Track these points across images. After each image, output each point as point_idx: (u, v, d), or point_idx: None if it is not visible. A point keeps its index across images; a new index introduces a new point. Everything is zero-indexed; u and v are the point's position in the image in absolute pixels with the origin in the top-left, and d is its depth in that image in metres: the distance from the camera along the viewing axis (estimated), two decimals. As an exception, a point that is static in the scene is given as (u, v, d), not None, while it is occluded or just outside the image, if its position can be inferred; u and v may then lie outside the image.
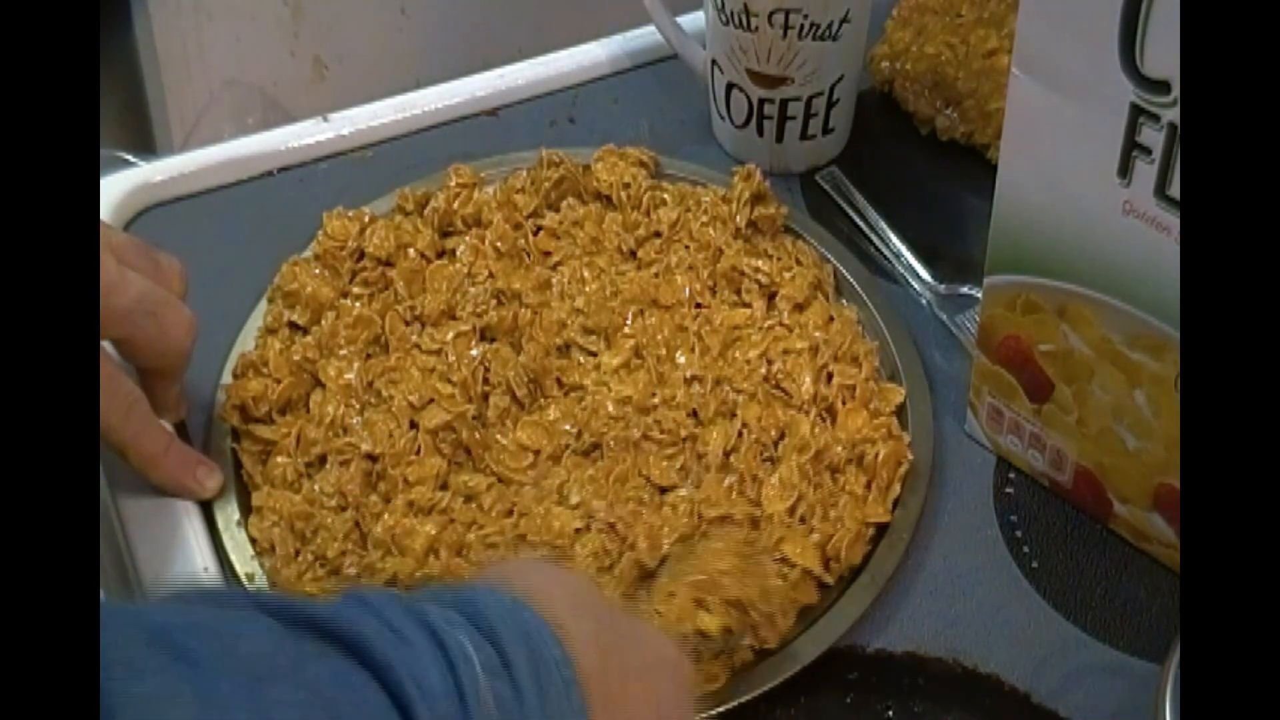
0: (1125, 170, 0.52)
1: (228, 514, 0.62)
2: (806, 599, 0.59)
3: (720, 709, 0.56)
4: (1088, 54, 0.50)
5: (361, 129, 0.80)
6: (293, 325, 0.68)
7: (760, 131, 0.78)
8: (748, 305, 0.69)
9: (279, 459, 0.63)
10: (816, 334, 0.67)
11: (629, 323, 0.68)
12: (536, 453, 0.63)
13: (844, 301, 0.71)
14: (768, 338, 0.67)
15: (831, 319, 0.69)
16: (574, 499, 0.61)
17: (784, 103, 0.76)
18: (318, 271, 0.69)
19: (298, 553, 0.60)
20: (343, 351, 0.66)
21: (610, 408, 0.64)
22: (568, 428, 0.64)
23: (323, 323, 0.68)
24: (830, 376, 0.66)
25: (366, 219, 0.71)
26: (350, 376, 0.65)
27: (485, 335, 0.67)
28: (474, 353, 0.66)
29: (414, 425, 0.63)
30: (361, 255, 0.70)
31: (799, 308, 0.69)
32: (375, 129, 0.80)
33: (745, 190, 0.71)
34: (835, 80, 0.76)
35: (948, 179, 0.79)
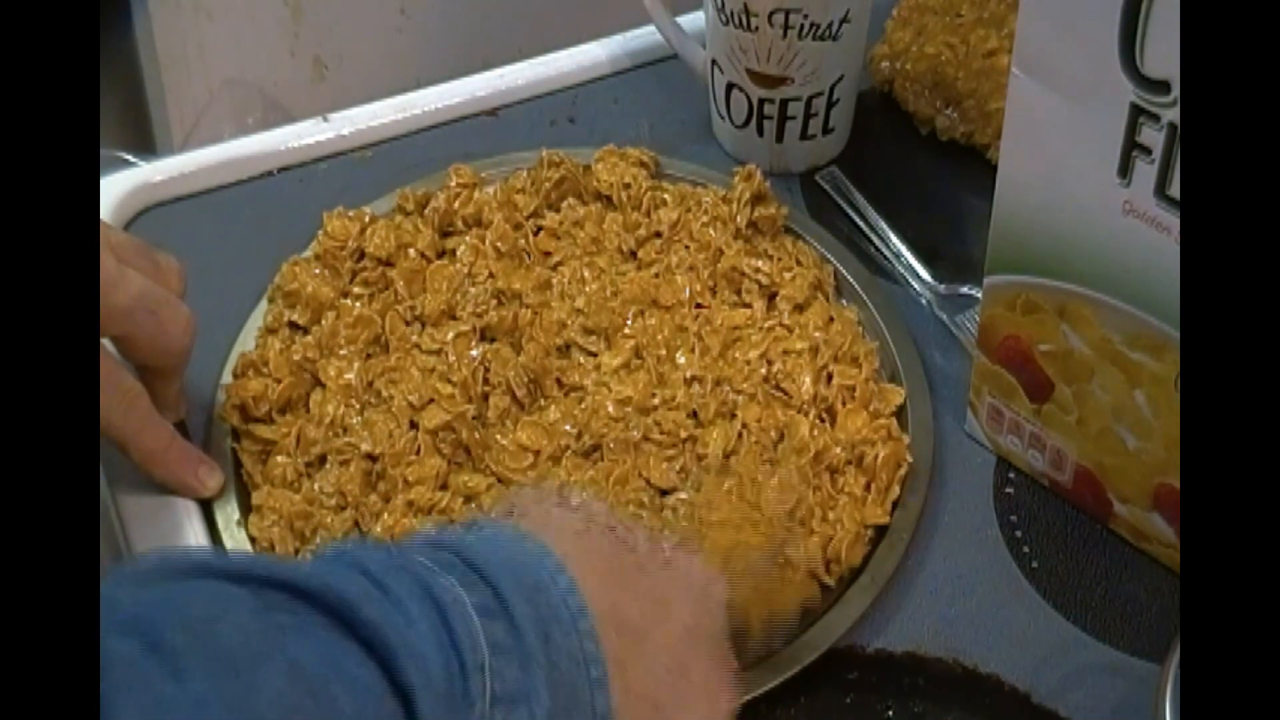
0: (1125, 170, 0.52)
1: (228, 513, 0.62)
2: (811, 597, 0.59)
3: (746, 698, 0.56)
4: (1088, 54, 0.50)
5: (361, 129, 0.80)
6: (293, 325, 0.68)
7: (760, 131, 0.78)
8: (748, 306, 0.69)
9: (279, 458, 0.63)
10: (816, 334, 0.67)
11: (629, 323, 0.68)
12: (536, 453, 0.63)
13: (844, 302, 0.71)
14: (768, 338, 0.67)
15: (831, 320, 0.69)
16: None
17: (784, 103, 0.76)
18: (318, 271, 0.69)
19: (297, 551, 0.60)
20: (343, 351, 0.66)
21: (610, 408, 0.64)
22: (568, 428, 0.64)
23: (323, 322, 0.68)
24: (830, 377, 0.66)
25: (367, 219, 0.71)
26: (350, 376, 0.65)
27: (485, 335, 0.67)
28: (474, 353, 0.66)
29: (414, 425, 0.63)
30: (362, 255, 0.70)
31: (799, 308, 0.69)
32: (375, 129, 0.80)
33: (746, 191, 0.71)
34: (835, 80, 0.76)
35: (948, 179, 0.79)
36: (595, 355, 0.67)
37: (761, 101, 0.76)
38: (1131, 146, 0.51)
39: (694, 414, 0.65)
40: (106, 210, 0.73)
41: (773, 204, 0.72)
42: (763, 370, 0.66)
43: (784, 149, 0.78)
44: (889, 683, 0.59)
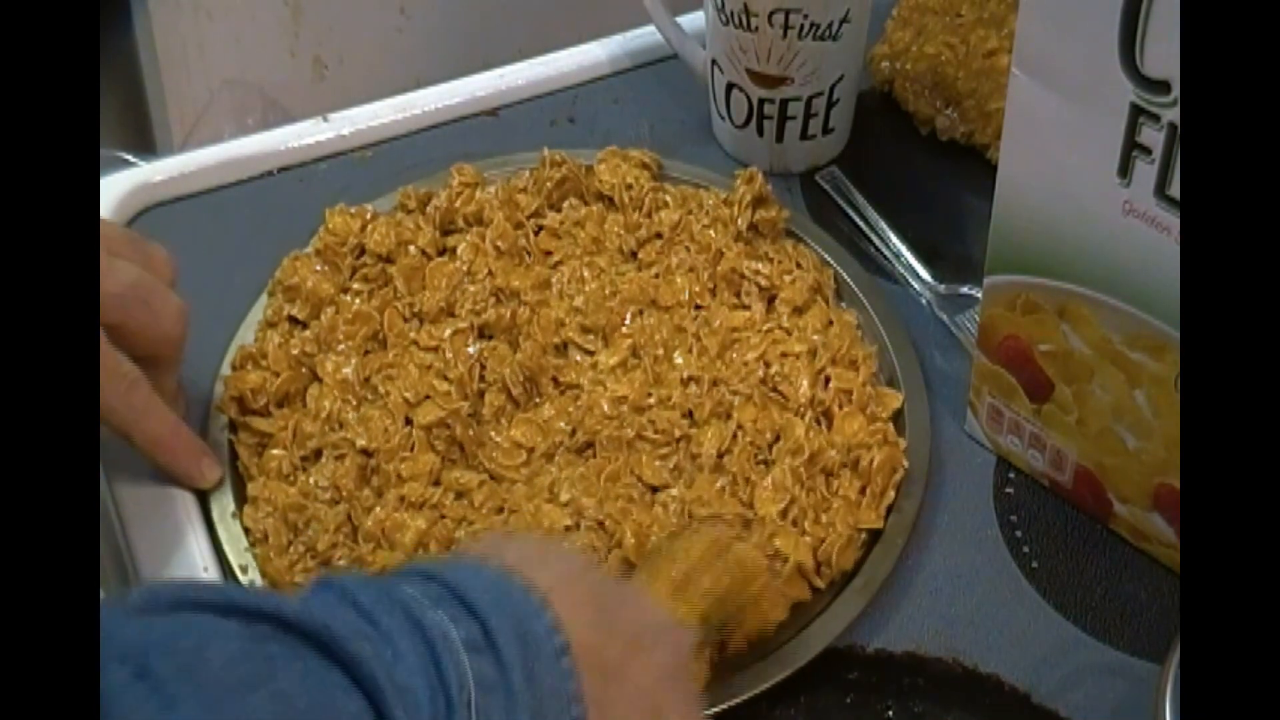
0: (1125, 170, 0.52)
1: (223, 505, 0.63)
2: (799, 594, 0.59)
3: (718, 708, 0.56)
4: (1088, 54, 0.50)
5: (361, 129, 0.80)
6: (292, 320, 0.68)
7: (760, 131, 0.78)
8: (747, 307, 0.69)
9: (275, 451, 0.64)
10: (815, 337, 0.67)
11: (627, 322, 0.68)
12: (530, 450, 0.63)
13: (844, 305, 0.71)
14: (766, 340, 0.67)
15: (830, 323, 0.69)
16: (564, 496, 0.61)
17: (784, 103, 0.76)
18: (318, 267, 0.70)
19: (290, 544, 0.60)
20: (341, 347, 0.67)
21: (605, 406, 0.64)
22: (562, 425, 0.64)
23: (322, 318, 0.68)
24: (827, 380, 0.66)
25: (368, 216, 0.71)
26: (347, 372, 0.66)
27: (483, 333, 0.67)
28: (471, 350, 0.66)
29: (409, 421, 0.63)
30: (362, 251, 0.70)
31: (798, 311, 0.69)
32: (375, 129, 0.80)
33: (747, 193, 0.71)
34: (835, 80, 0.76)
35: (948, 179, 0.79)
36: (592, 354, 0.67)
37: (761, 101, 0.76)
38: (1131, 146, 0.51)
39: (689, 414, 0.65)
40: (106, 210, 0.74)
41: (773, 207, 0.72)
42: (760, 372, 0.66)
43: (784, 149, 0.78)
44: (889, 683, 0.59)
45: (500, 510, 0.61)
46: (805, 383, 0.65)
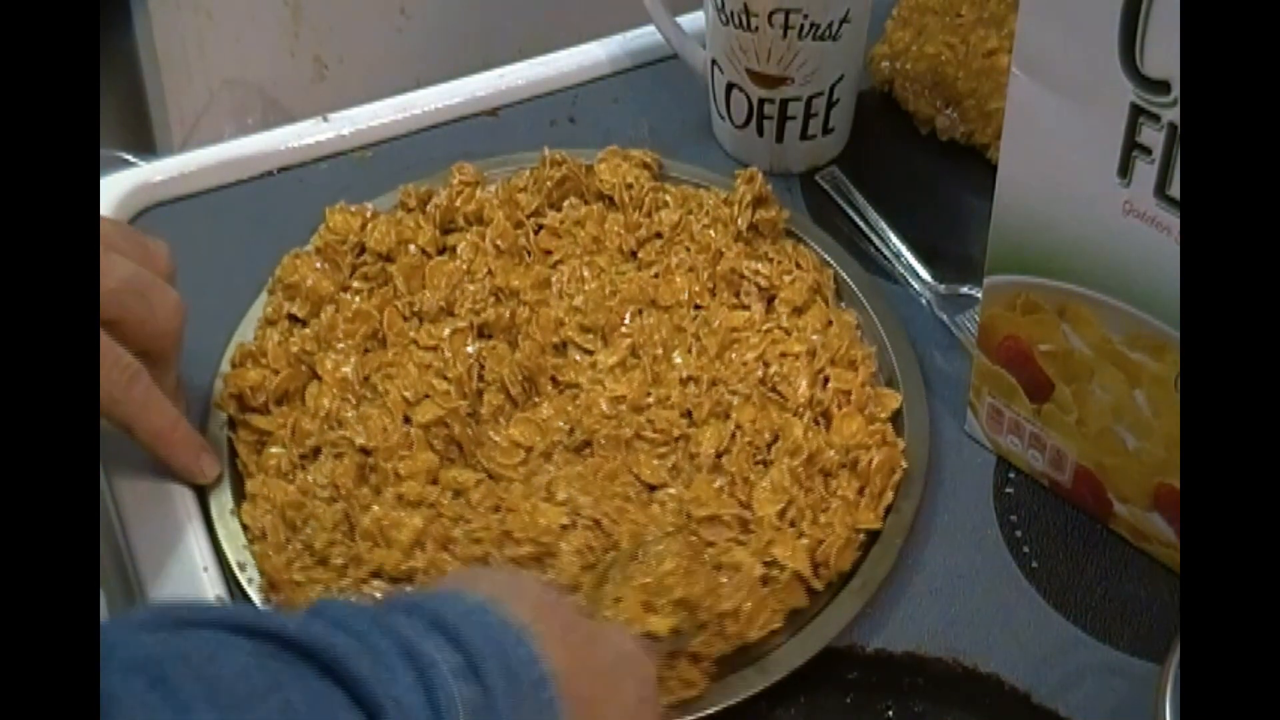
0: (1125, 170, 0.52)
1: (222, 503, 0.63)
2: (796, 602, 0.59)
3: (716, 709, 0.56)
4: (1088, 54, 0.50)
5: (361, 129, 0.80)
6: (292, 317, 0.69)
7: (760, 131, 0.78)
8: (746, 308, 0.69)
9: (273, 449, 0.64)
10: (814, 338, 0.67)
11: (626, 322, 0.68)
12: (528, 449, 0.63)
13: (843, 306, 0.71)
14: (765, 340, 0.67)
15: (830, 323, 0.68)
16: (561, 495, 0.61)
17: (784, 103, 0.76)
18: (319, 265, 0.70)
19: (287, 541, 0.61)
20: (340, 345, 0.67)
21: (604, 406, 0.64)
22: (560, 425, 0.64)
23: (321, 316, 0.68)
24: (826, 381, 0.66)
25: (369, 214, 0.71)
26: (347, 370, 0.66)
27: (483, 332, 0.67)
28: (470, 349, 0.66)
29: (408, 420, 0.63)
30: (362, 250, 0.70)
31: (797, 311, 0.69)
32: (375, 129, 0.80)
33: (747, 193, 0.71)
34: (835, 80, 0.76)
35: (948, 179, 0.79)
36: (591, 354, 0.67)
37: (761, 101, 0.76)
38: (1131, 146, 0.51)
39: (688, 413, 0.65)
40: (107, 210, 0.74)
41: (774, 207, 0.72)
42: (759, 372, 0.66)
43: (784, 149, 0.78)
44: (889, 683, 0.59)
45: (497, 509, 0.61)
46: (804, 383, 0.65)
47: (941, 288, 0.73)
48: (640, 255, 0.72)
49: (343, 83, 1.38)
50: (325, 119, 0.80)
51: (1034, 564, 0.63)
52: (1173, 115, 0.49)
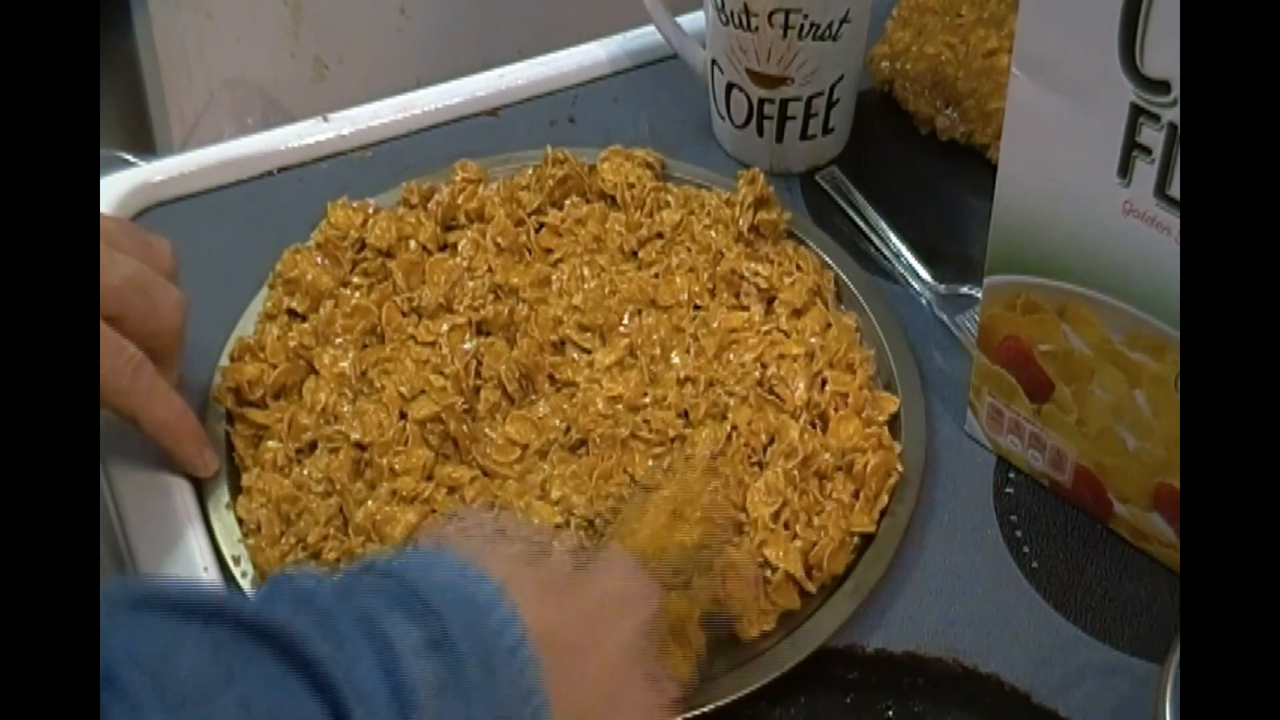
0: (1125, 170, 0.52)
1: (218, 497, 0.63)
2: (788, 604, 0.59)
3: (713, 706, 0.57)
4: (1088, 54, 0.50)
5: (361, 129, 0.80)
6: (291, 312, 0.69)
7: (760, 131, 0.78)
8: (745, 309, 0.69)
9: (270, 443, 0.64)
10: (813, 340, 0.67)
11: (625, 321, 0.68)
12: (524, 447, 0.63)
13: (843, 308, 0.71)
14: (764, 342, 0.67)
15: (829, 326, 0.68)
16: (555, 494, 0.61)
17: (784, 103, 0.76)
18: (319, 260, 0.70)
19: (281, 535, 0.61)
20: (338, 340, 0.67)
21: (600, 405, 0.64)
22: (556, 423, 0.64)
23: (321, 311, 0.68)
24: (824, 383, 0.66)
25: (370, 210, 0.72)
26: (345, 365, 0.66)
27: (481, 329, 0.67)
28: (467, 346, 0.66)
29: (404, 416, 0.64)
30: (363, 246, 0.71)
31: (797, 313, 0.69)
32: (375, 129, 0.80)
33: (749, 194, 0.71)
34: (835, 80, 0.76)
35: (948, 179, 0.79)
36: (589, 352, 0.67)
37: (761, 101, 0.76)
38: (1131, 146, 0.51)
39: (685, 414, 0.65)
40: (107, 210, 0.74)
41: (775, 208, 0.72)
42: (756, 374, 0.66)
43: (784, 149, 0.78)
44: (889, 683, 0.59)
45: (491, 506, 0.61)
46: (801, 385, 0.65)
47: (941, 288, 0.73)
48: (641, 255, 0.71)
49: (343, 83, 1.38)
50: (325, 119, 0.80)
51: (1034, 564, 0.63)
52: (1173, 115, 0.49)
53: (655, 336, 0.67)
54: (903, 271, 0.74)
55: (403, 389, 0.64)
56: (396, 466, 0.62)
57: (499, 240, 0.70)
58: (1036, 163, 0.55)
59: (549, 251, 0.72)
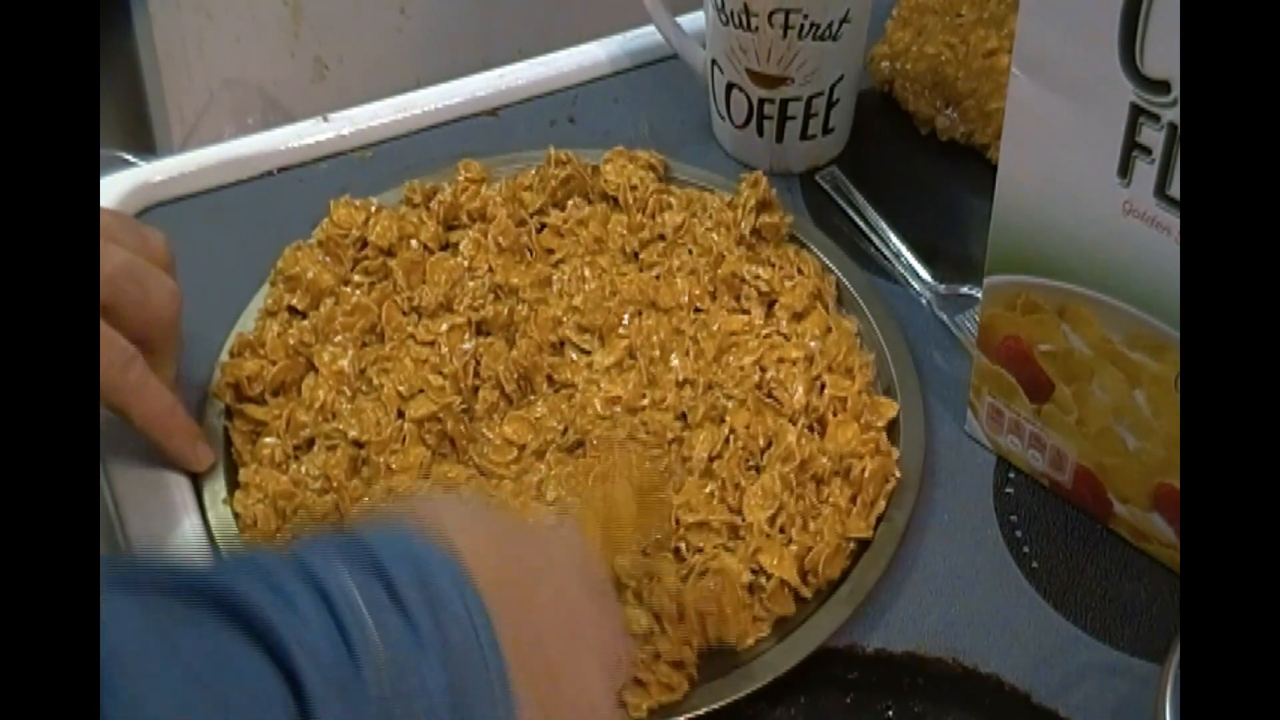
0: (1125, 170, 0.52)
1: (215, 491, 0.63)
2: (783, 609, 0.59)
3: (714, 707, 0.57)
4: (1088, 54, 0.50)
5: (361, 129, 0.80)
6: (292, 309, 0.69)
7: (760, 131, 0.78)
8: (746, 312, 0.69)
9: (268, 440, 0.64)
10: (812, 344, 0.67)
11: (625, 323, 0.68)
12: (521, 448, 0.63)
13: (844, 312, 0.71)
14: (763, 345, 0.67)
15: (829, 330, 0.68)
16: (551, 495, 0.61)
17: (784, 103, 0.76)
18: (320, 258, 0.70)
19: (277, 530, 0.61)
20: (338, 338, 0.67)
21: (598, 406, 0.64)
22: (554, 424, 0.64)
23: (321, 309, 0.68)
24: (823, 387, 0.66)
25: (373, 209, 0.72)
26: (344, 363, 0.66)
27: (481, 329, 0.67)
28: (466, 346, 0.66)
29: (401, 414, 0.64)
30: (364, 244, 0.71)
31: (797, 317, 0.69)
32: (375, 129, 0.80)
33: (751, 197, 0.71)
34: (835, 80, 0.76)
35: (948, 179, 0.79)
36: (589, 353, 0.67)
37: (761, 101, 0.76)
38: (1131, 146, 0.51)
39: (683, 416, 0.65)
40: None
41: (777, 211, 0.72)
42: (755, 377, 0.66)
43: (784, 149, 0.78)
44: (889, 683, 0.59)
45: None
46: (800, 389, 0.65)
47: (941, 288, 0.73)
48: (642, 257, 0.71)
49: (343, 83, 1.38)
50: (325, 119, 0.80)
51: (1034, 564, 0.63)
52: (1173, 115, 0.49)
53: (655, 338, 0.67)
54: (903, 272, 0.74)
55: (401, 388, 0.64)
56: (393, 465, 0.62)
57: (500, 240, 0.70)
58: (1036, 163, 0.55)
59: (550, 252, 0.72)
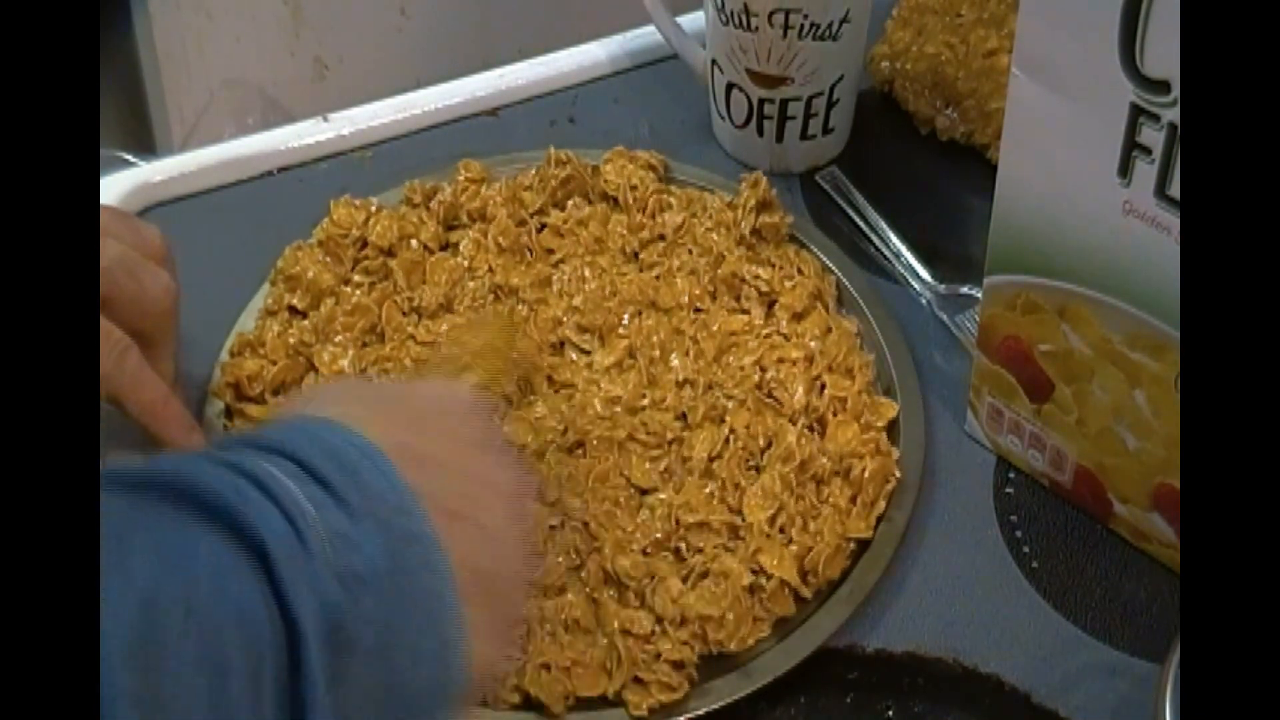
0: (1125, 170, 0.52)
1: None
2: (783, 610, 0.59)
3: (714, 707, 0.57)
4: (1088, 54, 0.50)
5: (361, 129, 0.80)
6: (292, 309, 0.69)
7: (760, 131, 0.78)
8: (746, 312, 0.69)
9: None
10: (813, 344, 0.67)
11: (625, 323, 0.68)
12: (521, 448, 0.63)
13: (844, 312, 0.71)
14: (763, 345, 0.67)
15: (830, 330, 0.68)
16: (551, 496, 0.61)
17: (784, 103, 0.76)
18: (320, 257, 0.70)
19: None
20: (338, 338, 0.67)
21: (598, 406, 0.64)
22: (554, 424, 0.64)
23: (321, 309, 0.68)
24: (823, 388, 0.66)
25: (373, 208, 0.72)
26: (344, 363, 0.66)
27: None
28: None
29: None
30: (365, 244, 0.71)
31: (797, 317, 0.69)
32: (375, 129, 0.80)
33: (751, 198, 0.71)
34: (835, 80, 0.76)
35: (948, 179, 0.79)
36: (589, 354, 0.67)
37: (761, 101, 0.76)
38: (1131, 146, 0.51)
39: (683, 416, 0.65)
40: (106, 210, 0.74)
41: (777, 212, 0.72)
42: (755, 377, 0.66)
43: (784, 149, 0.78)
44: (889, 683, 0.59)
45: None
46: (800, 389, 0.65)
47: (941, 288, 0.73)
48: (642, 257, 0.71)
49: (343, 83, 1.38)
50: (325, 119, 0.80)
51: (1034, 564, 0.63)
52: (1173, 115, 0.49)
53: (655, 338, 0.67)
54: (903, 272, 0.74)
55: None
56: None
57: (500, 240, 0.70)
58: (1036, 163, 0.55)
59: (550, 252, 0.72)
